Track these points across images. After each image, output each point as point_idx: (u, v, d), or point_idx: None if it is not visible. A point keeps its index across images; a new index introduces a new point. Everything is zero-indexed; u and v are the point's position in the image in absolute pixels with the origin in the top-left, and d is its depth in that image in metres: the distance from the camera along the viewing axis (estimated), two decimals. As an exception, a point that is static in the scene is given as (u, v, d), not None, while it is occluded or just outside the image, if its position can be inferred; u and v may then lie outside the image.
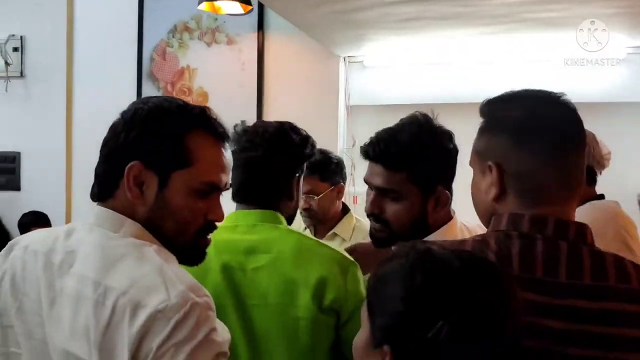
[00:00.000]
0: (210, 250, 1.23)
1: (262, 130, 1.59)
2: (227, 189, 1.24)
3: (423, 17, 2.69)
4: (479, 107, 1.19)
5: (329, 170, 2.55)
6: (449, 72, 3.58)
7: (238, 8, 3.30)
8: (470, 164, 1.19)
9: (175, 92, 3.84)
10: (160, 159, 1.11)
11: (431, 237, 1.47)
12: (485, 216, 1.16)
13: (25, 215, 3.83)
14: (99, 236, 1.09)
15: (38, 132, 4.10)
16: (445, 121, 3.20)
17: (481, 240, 1.09)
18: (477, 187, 1.17)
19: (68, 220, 3.99)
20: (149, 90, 3.88)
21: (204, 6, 3.26)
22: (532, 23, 2.77)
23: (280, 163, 1.57)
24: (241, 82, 3.78)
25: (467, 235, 1.49)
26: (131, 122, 1.14)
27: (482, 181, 1.14)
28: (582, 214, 1.46)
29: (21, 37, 4.12)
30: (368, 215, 1.58)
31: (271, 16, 3.66)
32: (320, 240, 1.65)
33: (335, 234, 2.63)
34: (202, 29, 3.81)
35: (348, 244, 2.51)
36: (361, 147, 1.58)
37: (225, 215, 1.32)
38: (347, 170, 2.75)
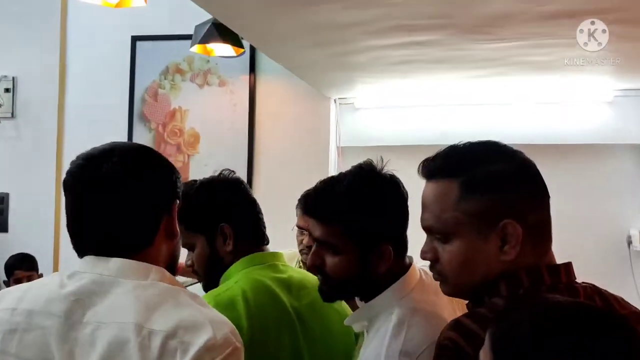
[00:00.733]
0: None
1: None
2: None
3: (414, 60, 2.72)
4: (434, 167, 1.13)
5: None
6: (439, 114, 3.62)
7: (230, 51, 3.34)
8: (454, 229, 1.08)
9: (167, 134, 3.85)
10: None
11: (386, 293, 1.33)
12: (485, 280, 1.07)
13: (11, 257, 3.77)
14: (130, 285, 1.09)
15: (28, 173, 4.08)
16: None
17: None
18: (476, 252, 1.07)
19: (56, 262, 3.95)
20: (141, 131, 3.89)
21: (196, 48, 3.30)
22: (521, 66, 2.82)
23: None
24: (233, 123, 3.79)
25: (429, 284, 1.33)
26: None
27: (485, 244, 1.06)
28: None
29: (13, 78, 4.13)
30: (308, 269, 1.52)
31: (263, 58, 3.70)
32: None
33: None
34: (194, 70, 3.84)
35: None
36: (299, 198, 1.56)
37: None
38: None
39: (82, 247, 1.15)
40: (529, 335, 0.78)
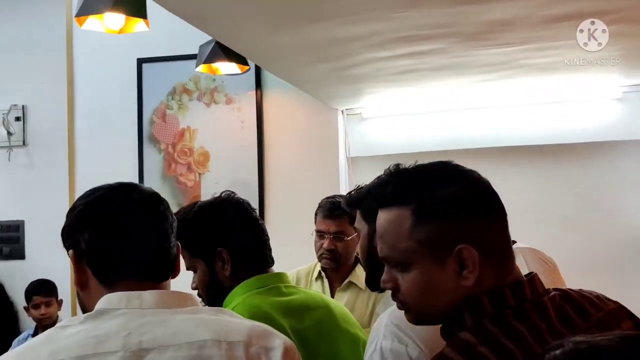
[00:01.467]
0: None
1: None
2: None
3: (418, 69, 2.72)
4: (384, 195, 1.10)
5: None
6: (448, 119, 3.61)
7: (235, 68, 3.35)
8: (411, 259, 1.06)
9: (177, 153, 3.86)
10: None
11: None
12: (450, 306, 1.05)
13: (30, 284, 3.79)
14: (178, 312, 1.12)
15: (41, 200, 4.10)
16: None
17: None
18: (435, 280, 1.05)
19: (73, 288, 3.95)
20: (151, 153, 3.91)
21: (201, 68, 3.31)
22: (527, 69, 2.80)
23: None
24: (241, 140, 3.80)
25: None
26: None
27: (442, 271, 1.04)
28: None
29: (23, 106, 4.16)
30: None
31: (268, 74, 3.70)
32: None
33: (351, 283, 2.61)
34: (200, 90, 3.86)
35: (365, 293, 2.51)
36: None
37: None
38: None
39: (111, 275, 1.15)
40: None
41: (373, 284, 1.40)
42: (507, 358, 0.95)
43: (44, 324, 3.64)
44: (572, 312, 1.03)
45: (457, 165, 1.11)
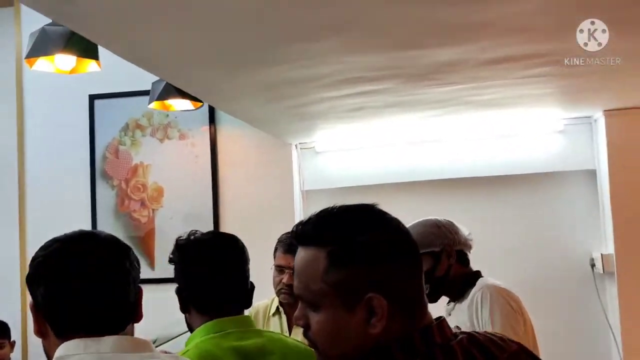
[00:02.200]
0: None
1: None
2: None
3: (368, 106, 2.79)
4: (304, 233, 1.11)
5: None
6: (397, 153, 3.70)
7: (188, 105, 3.37)
8: (321, 301, 1.07)
9: (130, 189, 3.85)
10: None
11: None
12: (358, 353, 1.05)
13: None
14: (137, 357, 1.16)
15: (-9, 240, 4.02)
16: (392, 199, 3.31)
17: None
18: (343, 324, 1.05)
19: (24, 329, 3.87)
20: (103, 188, 3.88)
21: (154, 105, 3.32)
22: (472, 105, 2.91)
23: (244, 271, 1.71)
24: (195, 175, 3.81)
25: None
26: None
27: (351, 317, 1.04)
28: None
29: (-30, 145, 4.09)
30: None
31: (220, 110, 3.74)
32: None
33: None
34: (153, 125, 3.86)
35: None
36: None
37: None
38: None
39: (65, 329, 1.18)
40: None
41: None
42: None
43: (-5, 366, 3.55)
44: (479, 356, 1.06)
45: (381, 211, 1.12)
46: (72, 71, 2.64)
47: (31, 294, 1.21)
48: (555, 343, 2.93)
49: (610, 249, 3.35)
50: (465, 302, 2.20)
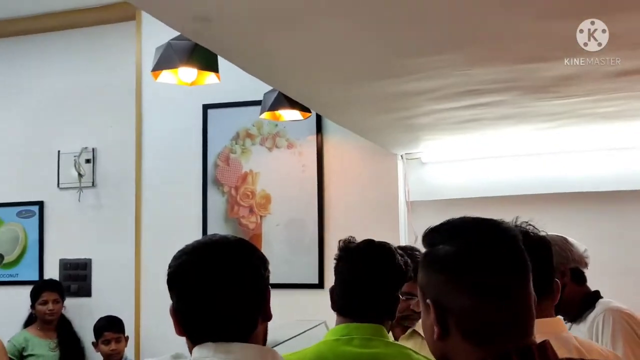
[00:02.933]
0: None
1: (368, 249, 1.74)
2: None
3: (479, 118, 2.75)
4: (427, 238, 1.16)
5: None
6: (507, 165, 3.61)
7: (298, 115, 3.46)
8: (420, 298, 1.15)
9: (239, 196, 3.97)
10: None
11: None
12: (436, 355, 1.11)
13: (100, 319, 3.92)
14: None
15: (109, 240, 4.27)
16: (501, 212, 3.22)
17: None
18: (424, 324, 1.14)
19: (137, 327, 4.07)
20: (214, 195, 4.03)
21: (265, 115, 3.43)
22: (589, 117, 2.80)
23: (389, 282, 1.72)
24: (302, 183, 3.88)
25: None
26: None
27: (426, 319, 1.11)
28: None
29: (93, 149, 4.36)
30: None
31: (329, 120, 3.79)
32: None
33: (415, 332, 2.61)
34: (263, 134, 3.97)
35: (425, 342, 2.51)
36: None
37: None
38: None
39: (195, 335, 1.25)
40: None
41: None
42: None
43: (113, 359, 3.76)
44: None
45: (492, 226, 1.10)
46: (193, 83, 2.77)
47: (171, 297, 1.29)
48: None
49: None
50: (585, 324, 2.12)
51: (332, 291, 1.75)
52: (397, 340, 2.65)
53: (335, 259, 1.78)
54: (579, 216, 3.53)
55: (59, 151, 4.41)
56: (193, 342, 1.25)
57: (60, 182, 4.40)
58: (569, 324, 2.22)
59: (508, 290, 1.06)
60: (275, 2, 1.41)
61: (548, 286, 1.60)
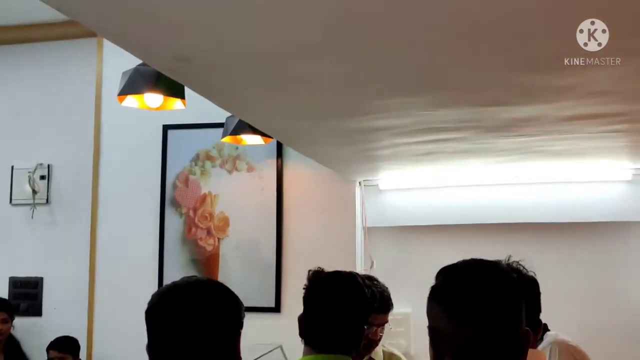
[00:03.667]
0: None
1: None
2: None
3: (437, 152, 2.85)
4: None
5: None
6: (461, 194, 3.71)
7: (259, 140, 3.49)
8: None
9: (197, 218, 3.97)
10: None
11: None
12: None
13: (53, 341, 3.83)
14: None
15: (61, 258, 4.20)
16: (456, 240, 3.32)
17: None
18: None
19: (89, 347, 4.02)
20: (172, 215, 4.02)
21: (227, 139, 3.45)
22: (542, 154, 2.93)
23: (356, 314, 1.77)
24: (261, 206, 3.91)
25: None
26: None
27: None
28: None
29: (48, 165, 4.30)
30: None
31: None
32: None
33: (371, 359, 2.68)
34: (223, 157, 3.99)
35: None
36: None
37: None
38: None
39: None
40: None
41: None
42: None
43: (59, 380, 3.69)
44: None
45: (489, 269, 1.25)
46: (159, 108, 2.78)
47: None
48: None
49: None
50: None
51: (300, 320, 1.79)
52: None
53: (303, 288, 1.82)
54: (527, 247, 3.64)
55: (12, 166, 4.33)
56: None
57: (12, 198, 4.32)
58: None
59: (495, 327, 1.19)
60: (249, 46, 1.45)
61: (535, 321, 1.78)
